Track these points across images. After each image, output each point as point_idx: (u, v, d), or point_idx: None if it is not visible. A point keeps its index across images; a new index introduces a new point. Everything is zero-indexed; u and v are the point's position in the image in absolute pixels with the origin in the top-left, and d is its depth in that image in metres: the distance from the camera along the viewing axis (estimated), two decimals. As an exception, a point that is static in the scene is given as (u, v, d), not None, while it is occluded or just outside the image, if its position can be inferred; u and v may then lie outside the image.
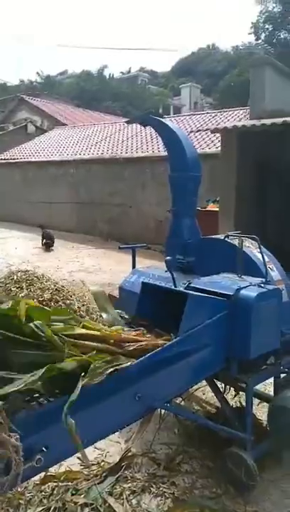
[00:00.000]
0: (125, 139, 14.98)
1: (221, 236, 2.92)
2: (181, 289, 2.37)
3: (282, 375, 2.81)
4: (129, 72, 49.79)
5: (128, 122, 4.11)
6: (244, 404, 2.67)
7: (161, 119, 3.29)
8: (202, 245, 3.01)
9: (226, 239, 2.79)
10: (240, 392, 2.91)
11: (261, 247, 2.59)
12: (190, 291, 2.24)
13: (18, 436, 1.10)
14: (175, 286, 2.37)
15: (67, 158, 14.92)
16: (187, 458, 2.65)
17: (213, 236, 3.16)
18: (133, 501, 2.29)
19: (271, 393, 2.95)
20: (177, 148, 3.08)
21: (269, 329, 2.35)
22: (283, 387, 2.71)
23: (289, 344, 2.57)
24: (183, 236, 3.08)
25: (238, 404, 3.00)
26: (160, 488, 2.39)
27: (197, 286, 2.39)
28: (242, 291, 2.28)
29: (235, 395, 3.01)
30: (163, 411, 2.63)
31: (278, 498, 2.36)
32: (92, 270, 8.30)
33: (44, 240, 10.83)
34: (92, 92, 36.51)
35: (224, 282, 2.44)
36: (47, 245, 10.72)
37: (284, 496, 2.38)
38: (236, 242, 2.61)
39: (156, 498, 2.33)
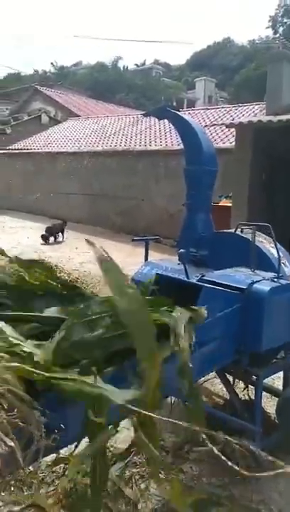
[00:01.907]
0: (139, 131, 14.94)
1: (234, 230, 2.93)
2: (194, 281, 2.40)
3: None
4: (144, 64, 49.48)
5: (144, 115, 4.13)
6: (252, 397, 2.70)
7: (177, 112, 3.29)
8: (215, 239, 3.03)
9: (239, 233, 2.81)
10: (249, 386, 2.94)
11: (276, 242, 2.60)
12: (204, 284, 2.27)
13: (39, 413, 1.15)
14: (188, 279, 2.40)
15: (81, 149, 14.95)
16: (195, 446, 2.70)
17: (227, 230, 3.18)
18: (142, 485, 2.35)
19: (280, 387, 2.98)
20: (193, 141, 3.08)
21: (281, 323, 2.38)
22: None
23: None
24: (197, 230, 3.10)
25: (247, 398, 3.03)
26: (169, 475, 2.44)
27: (211, 279, 2.42)
28: (255, 285, 2.31)
29: (244, 389, 3.05)
30: (173, 399, 2.68)
31: (286, 488, 2.40)
32: (103, 262, 8.35)
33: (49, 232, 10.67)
34: (105, 84, 36.43)
35: (238, 276, 2.46)
36: (43, 237, 10.51)
37: (291, 486, 2.41)
38: (249, 236, 2.62)
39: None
